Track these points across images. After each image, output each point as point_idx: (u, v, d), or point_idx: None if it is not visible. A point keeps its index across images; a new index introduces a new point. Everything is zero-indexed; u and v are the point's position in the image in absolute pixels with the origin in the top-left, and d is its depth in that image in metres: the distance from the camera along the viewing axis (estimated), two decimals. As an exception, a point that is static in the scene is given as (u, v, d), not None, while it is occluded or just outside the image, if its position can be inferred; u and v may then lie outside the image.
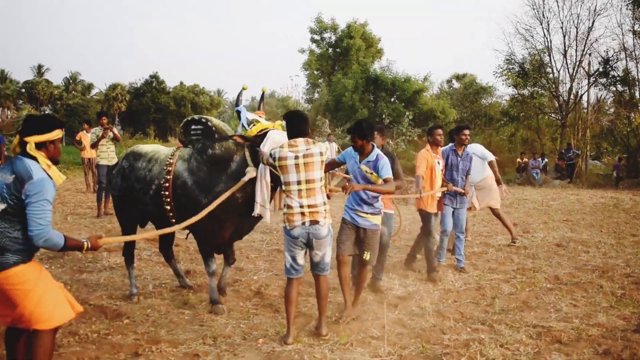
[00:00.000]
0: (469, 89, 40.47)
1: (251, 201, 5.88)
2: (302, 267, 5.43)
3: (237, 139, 5.86)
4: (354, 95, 31.86)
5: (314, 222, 5.22)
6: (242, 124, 6.00)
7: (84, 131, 16.86)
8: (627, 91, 29.09)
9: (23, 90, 64.30)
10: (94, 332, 5.40)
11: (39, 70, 69.00)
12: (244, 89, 6.54)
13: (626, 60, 28.57)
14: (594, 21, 29.26)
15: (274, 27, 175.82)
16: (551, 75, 30.76)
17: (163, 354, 4.95)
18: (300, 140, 5.27)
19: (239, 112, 6.11)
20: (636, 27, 27.68)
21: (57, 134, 4.05)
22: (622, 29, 28.51)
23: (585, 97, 31.38)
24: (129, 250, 6.79)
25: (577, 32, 29.79)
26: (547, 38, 30.65)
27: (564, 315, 6.38)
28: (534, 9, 30.67)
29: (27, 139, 3.94)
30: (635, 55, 27.95)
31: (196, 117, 6.43)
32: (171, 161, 6.28)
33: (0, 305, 3.94)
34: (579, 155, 27.88)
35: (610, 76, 29.29)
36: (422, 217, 8.18)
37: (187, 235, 6.89)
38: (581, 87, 30.75)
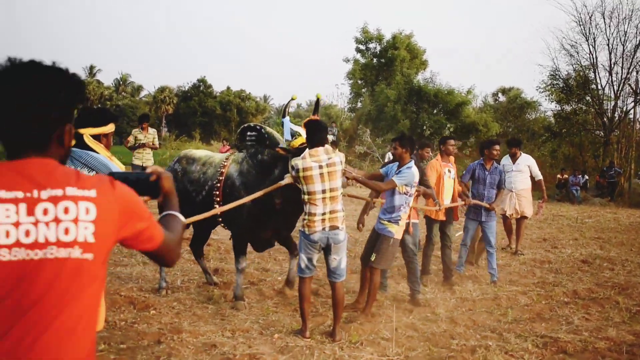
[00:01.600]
0: (513, 103, 40.33)
1: (289, 207, 6.21)
2: (314, 267, 5.72)
3: (279, 151, 6.16)
4: (396, 105, 32.13)
5: (334, 227, 5.49)
6: (286, 135, 6.20)
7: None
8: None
9: (75, 90, 65.77)
10: (122, 320, 5.78)
11: (91, 71, 70.54)
12: (292, 99, 6.75)
13: (671, 79, 28.20)
14: (641, 39, 28.95)
15: (322, 35, 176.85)
16: (596, 92, 30.48)
17: (183, 343, 5.29)
18: (320, 150, 5.48)
19: (283, 123, 6.32)
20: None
21: (111, 127, 3.98)
22: (669, 47, 28.15)
23: (630, 115, 31.02)
24: (196, 244, 7.33)
25: (623, 50, 29.50)
26: (592, 54, 30.40)
27: (575, 327, 6.54)
28: (580, 25, 30.45)
29: (82, 131, 3.81)
30: (680, 74, 27.59)
31: (252, 124, 6.85)
32: (225, 164, 6.71)
33: None
34: (620, 173, 27.55)
35: (656, 94, 28.96)
36: (426, 224, 8.54)
37: (231, 237, 7.19)
38: (626, 104, 30.43)
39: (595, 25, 30.43)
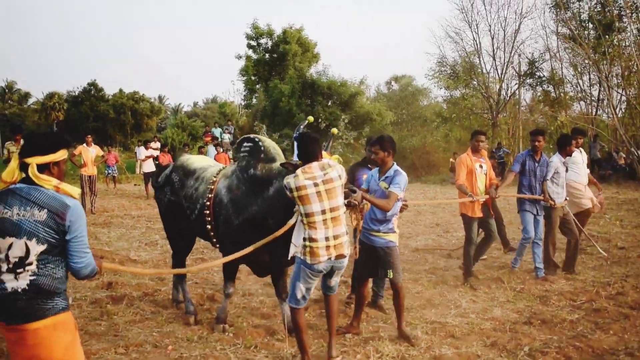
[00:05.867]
0: (405, 91, 41.28)
1: (285, 235, 5.37)
2: (309, 297, 5.24)
3: (287, 166, 5.43)
4: (291, 100, 32.25)
5: (340, 256, 5.00)
6: (297, 152, 5.60)
7: (85, 145, 15.76)
8: (553, 91, 30.19)
9: (-45, 101, 62.61)
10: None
11: (-27, 80, 67.23)
12: (309, 121, 6.54)
13: (551, 61, 29.69)
14: (520, 23, 30.43)
15: (214, 31, 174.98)
16: (481, 77, 31.71)
17: (74, 365, 5.19)
18: (314, 166, 4.95)
19: (296, 139, 5.73)
20: (559, 29, 28.78)
21: (62, 154, 3.56)
22: (545, 31, 29.72)
23: (515, 97, 32.47)
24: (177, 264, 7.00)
25: (504, 35, 30.91)
26: (476, 41, 31.72)
27: (463, 311, 6.84)
28: (462, 12, 31.73)
29: (28, 160, 3.44)
30: (559, 56, 29.04)
31: (251, 135, 6.31)
32: (215, 179, 6.24)
33: None
34: (508, 153, 28.78)
35: (536, 76, 30.43)
36: (465, 223, 8.25)
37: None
38: (510, 87, 31.88)
39: (477, 12, 31.89)
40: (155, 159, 20.38)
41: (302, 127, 6.32)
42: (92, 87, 62.82)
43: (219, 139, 25.73)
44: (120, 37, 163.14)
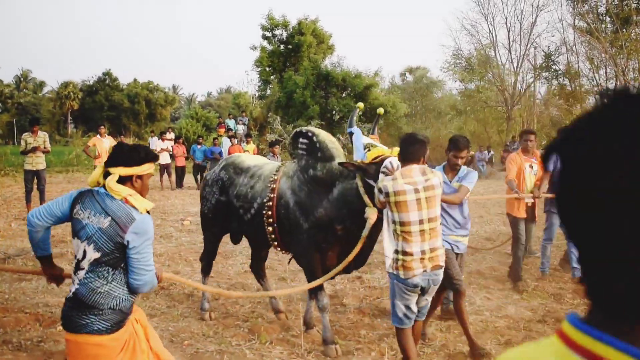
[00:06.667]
0: (419, 83, 41.17)
1: (356, 233, 5.19)
2: (415, 313, 4.65)
3: (347, 166, 5.12)
4: (305, 91, 32.20)
5: (436, 267, 4.51)
6: (358, 151, 5.26)
7: (98, 136, 16.04)
8: (569, 84, 30.07)
9: (-28, 89, 63.06)
10: (27, 339, 5.65)
11: (-11, 68, 67.77)
12: (359, 108, 5.96)
13: (567, 54, 29.56)
14: (536, 16, 30.29)
15: (230, 21, 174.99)
16: (497, 70, 31.63)
17: (92, 359, 5.25)
18: (415, 169, 4.47)
19: (351, 134, 5.45)
20: (576, 22, 28.61)
21: (147, 168, 3.53)
22: (562, 25, 29.54)
23: (531, 90, 32.35)
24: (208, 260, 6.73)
25: (520, 27, 30.80)
26: (492, 33, 31.59)
27: (477, 308, 6.85)
28: (479, 5, 31.63)
29: (112, 170, 3.44)
30: (575, 49, 28.91)
31: (304, 129, 5.85)
32: (275, 177, 5.81)
33: None
34: (523, 147, 28.65)
35: (552, 70, 30.34)
36: (510, 223, 8.04)
37: (290, 260, 6.27)
38: (525, 80, 31.80)
39: (494, 4, 31.76)
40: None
41: (354, 117, 5.77)
42: (106, 77, 63.22)
43: (233, 131, 25.76)
44: (135, 27, 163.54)
